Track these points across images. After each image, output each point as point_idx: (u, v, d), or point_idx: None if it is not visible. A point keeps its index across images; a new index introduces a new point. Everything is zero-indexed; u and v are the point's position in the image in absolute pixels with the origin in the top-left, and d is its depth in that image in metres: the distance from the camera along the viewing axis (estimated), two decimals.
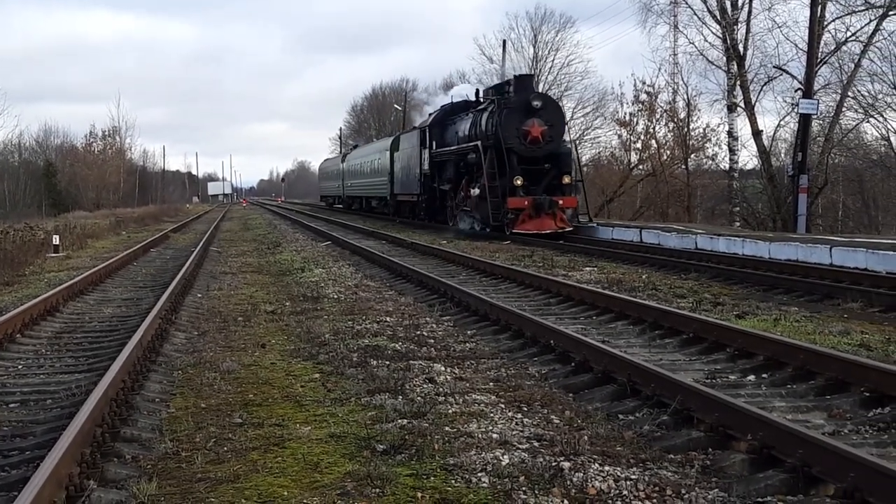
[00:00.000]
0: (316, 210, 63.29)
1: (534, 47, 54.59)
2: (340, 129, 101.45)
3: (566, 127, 27.48)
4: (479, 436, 5.16)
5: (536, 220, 23.78)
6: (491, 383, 6.61)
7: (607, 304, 10.37)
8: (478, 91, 29.39)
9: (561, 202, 24.32)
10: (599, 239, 23.73)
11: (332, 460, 4.77)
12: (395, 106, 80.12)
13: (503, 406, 5.90)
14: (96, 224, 32.85)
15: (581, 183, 27.17)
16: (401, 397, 6.04)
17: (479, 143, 25.34)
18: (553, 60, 53.48)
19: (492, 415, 5.65)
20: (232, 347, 8.25)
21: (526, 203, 23.83)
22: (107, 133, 72.54)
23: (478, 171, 25.44)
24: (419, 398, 6.02)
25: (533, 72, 52.32)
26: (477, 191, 25.03)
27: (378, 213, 43.94)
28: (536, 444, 5.04)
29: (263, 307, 10.90)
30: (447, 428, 5.30)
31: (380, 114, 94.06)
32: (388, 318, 9.68)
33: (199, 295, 12.35)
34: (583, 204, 27.13)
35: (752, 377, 6.86)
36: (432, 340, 8.38)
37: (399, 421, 5.44)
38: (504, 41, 51.02)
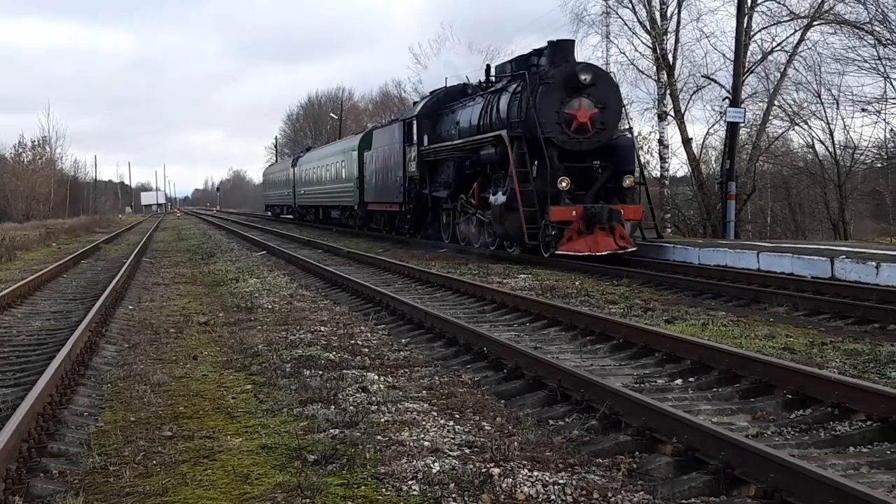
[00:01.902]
0: (252, 220, 62.71)
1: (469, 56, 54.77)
2: (276, 138, 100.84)
3: (624, 110, 21.42)
4: (411, 444, 5.19)
5: (589, 237, 17.54)
6: (424, 391, 6.65)
7: (540, 311, 10.48)
8: (488, 67, 22.60)
9: (623, 213, 18.06)
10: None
11: (262, 472, 4.76)
12: (331, 115, 79.86)
13: (435, 414, 5.94)
14: (26, 236, 32.20)
15: (644, 186, 20.44)
16: (333, 407, 6.04)
17: (503, 132, 18.92)
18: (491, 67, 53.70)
19: (424, 423, 5.69)
20: (163, 359, 8.17)
21: (574, 214, 17.57)
22: (36, 143, 71.18)
23: (499, 170, 19.67)
24: (352, 408, 6.03)
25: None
26: (502, 197, 18.70)
27: (341, 226, 37.71)
28: (467, 450, 5.09)
29: (196, 318, 10.80)
30: (379, 437, 5.32)
31: (316, 122, 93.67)
32: (322, 328, 9.66)
33: (131, 307, 12.19)
34: (647, 214, 21.11)
35: (679, 381, 7.00)
36: (366, 349, 8.39)
37: (331, 431, 5.44)
38: (439, 50, 51.14)
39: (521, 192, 17.98)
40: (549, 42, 19.88)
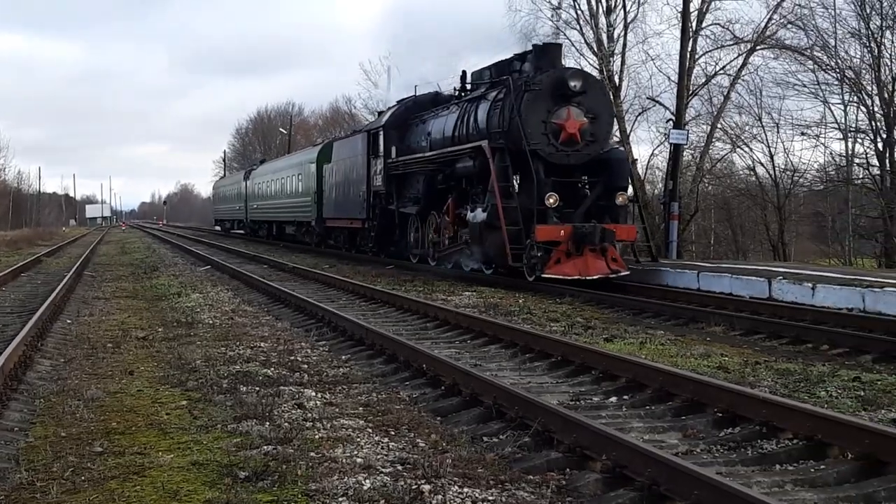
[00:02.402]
0: (199, 234, 62.11)
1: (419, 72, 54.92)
2: (225, 152, 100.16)
3: (615, 120, 20.53)
4: (344, 461, 5.20)
5: (578, 259, 16.04)
6: (360, 408, 6.66)
7: (482, 328, 10.55)
8: (464, 73, 21.00)
9: (617, 233, 16.66)
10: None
11: (192, 488, 4.73)
12: (281, 129, 79.56)
13: (371, 431, 5.95)
14: None
15: (637, 204, 19.29)
16: (268, 423, 6.02)
17: (483, 143, 17.38)
18: (437, 85, 53.92)
19: (358, 439, 5.69)
20: (98, 374, 8.08)
21: (563, 233, 16.08)
22: None
23: (478, 184, 18.11)
24: (287, 424, 6.02)
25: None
26: (482, 214, 17.10)
27: (296, 242, 36.11)
28: (400, 467, 5.10)
29: (135, 333, 10.69)
30: (312, 453, 5.32)
31: (265, 137, 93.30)
32: (262, 344, 9.62)
33: (69, 321, 12.03)
34: (641, 234, 19.11)
35: (614, 399, 7.08)
36: (306, 366, 8.38)
37: (264, 447, 5.43)
38: (389, 67, 51.21)
39: (504, 209, 16.38)
40: (533, 45, 18.69)
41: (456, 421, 6.39)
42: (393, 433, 5.90)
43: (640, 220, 18.54)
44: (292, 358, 8.76)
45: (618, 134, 19.44)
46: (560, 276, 15.85)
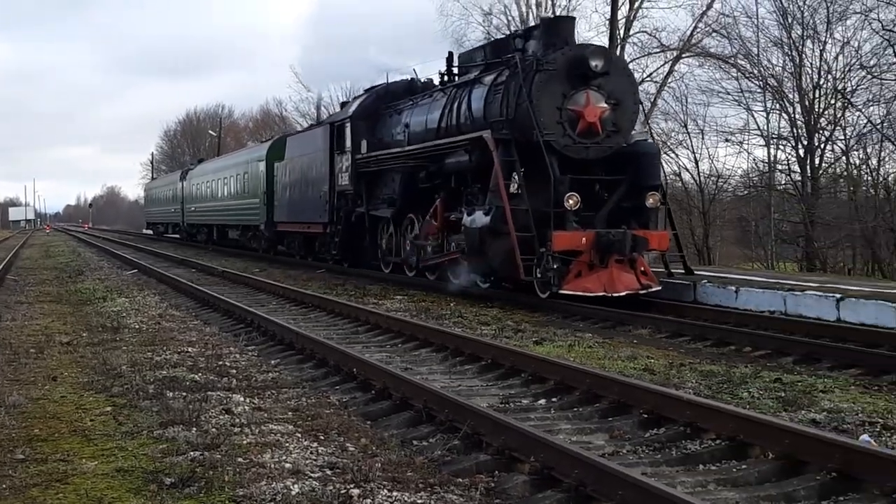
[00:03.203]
0: (126, 238, 61.05)
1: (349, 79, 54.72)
2: (153, 154, 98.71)
3: (640, 107, 17.02)
4: (272, 466, 5.17)
5: (603, 272, 13.47)
6: (290, 413, 6.62)
7: (413, 332, 10.57)
8: (450, 55, 18.36)
9: (649, 239, 14.09)
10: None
11: (116, 495, 4.66)
12: (210, 132, 78.69)
13: (300, 435, 5.92)
14: None
15: (667, 207, 16.11)
16: (195, 429, 5.96)
17: (485, 134, 14.61)
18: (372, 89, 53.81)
19: (287, 444, 5.66)
20: (21, 380, 7.90)
21: (584, 241, 13.53)
22: None
23: (474, 183, 15.52)
24: (214, 429, 5.96)
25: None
26: (483, 218, 14.20)
27: (241, 248, 32.98)
28: (329, 472, 5.09)
29: (59, 338, 10.48)
30: (240, 459, 5.27)
31: (194, 139, 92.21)
32: (190, 349, 9.50)
33: None
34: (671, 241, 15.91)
35: (543, 401, 7.16)
36: (234, 371, 8.29)
37: (191, 453, 5.37)
38: (320, 69, 50.82)
39: (513, 212, 13.71)
40: (541, 19, 16.89)
41: (386, 425, 6.40)
42: (322, 438, 5.88)
43: (669, 224, 15.83)
44: (220, 363, 8.67)
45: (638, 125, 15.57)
46: (581, 293, 13.28)
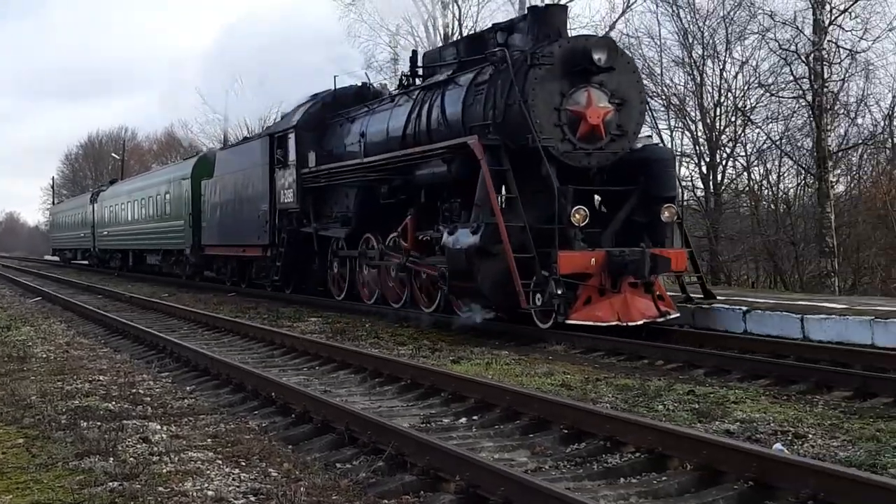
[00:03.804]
0: (27, 265, 59.22)
1: (257, 98, 54.29)
2: (53, 178, 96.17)
3: (648, 108, 15.24)
4: (194, 494, 5.09)
5: (615, 298, 11.87)
6: (209, 439, 6.52)
7: (330, 354, 10.53)
8: (414, 54, 16.72)
9: (669, 259, 12.40)
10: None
11: None
12: (113, 154, 77.13)
13: (220, 462, 5.84)
14: None
15: (680, 221, 13.92)
16: (112, 459, 5.82)
17: (470, 140, 12.66)
18: (278, 112, 53.53)
19: (208, 472, 5.58)
20: None
21: (594, 262, 11.90)
22: None
23: (452, 197, 13.64)
24: (132, 459, 5.83)
25: (259, 124, 52.08)
26: (470, 237, 12.29)
27: (162, 275, 30.60)
28: (253, 498, 5.04)
29: None
30: (161, 488, 5.18)
31: (97, 163, 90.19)
32: (101, 377, 9.28)
33: None
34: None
35: (464, 420, 7.20)
36: (149, 398, 8.13)
37: (109, 484, 5.25)
38: (227, 91, 50.35)
39: (510, 230, 11.85)
40: (529, 8, 14.80)
41: (308, 448, 6.35)
42: (244, 464, 5.81)
43: (683, 241, 13.76)
44: (134, 391, 8.49)
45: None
46: (592, 323, 11.64)
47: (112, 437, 6.40)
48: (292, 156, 18.93)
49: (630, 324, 11.74)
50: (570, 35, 13.55)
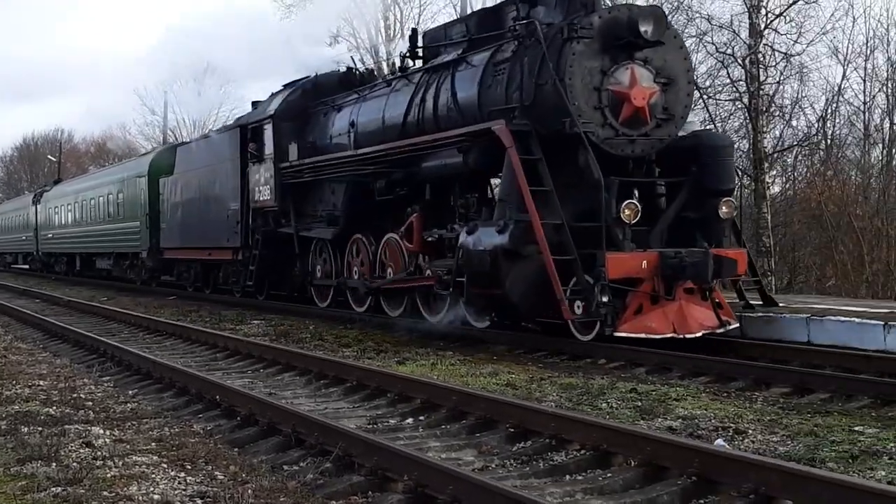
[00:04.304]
0: None
1: (197, 99, 53.80)
2: None
3: (696, 88, 13.82)
4: (140, 498, 5.05)
5: (669, 306, 10.49)
6: (153, 443, 6.46)
7: (274, 357, 10.49)
8: (414, 32, 14.78)
9: (735, 261, 11.07)
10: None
11: None
12: (49, 157, 75.78)
13: (166, 466, 5.79)
14: None
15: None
16: (55, 464, 5.75)
17: (495, 125, 11.10)
18: (218, 114, 53.11)
19: (154, 476, 5.53)
20: None
21: (646, 265, 10.49)
22: None
23: (467, 192, 12.52)
24: (75, 464, 5.76)
25: (198, 126, 51.60)
26: (495, 237, 10.76)
27: (113, 280, 28.95)
28: (199, 501, 5.01)
29: None
30: (105, 493, 5.13)
31: (32, 165, 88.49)
32: (41, 382, 9.14)
33: None
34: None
35: (410, 420, 7.22)
36: (90, 403, 8.03)
37: (53, 489, 5.18)
38: (166, 93, 49.87)
39: (544, 227, 10.36)
40: None
41: (255, 451, 6.32)
42: (190, 467, 5.77)
43: (737, 240, 12.43)
44: (75, 395, 8.38)
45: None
46: (644, 336, 10.26)
47: (54, 442, 6.32)
48: (269, 149, 17.22)
49: (687, 336, 10.41)
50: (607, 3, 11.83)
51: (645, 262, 10.48)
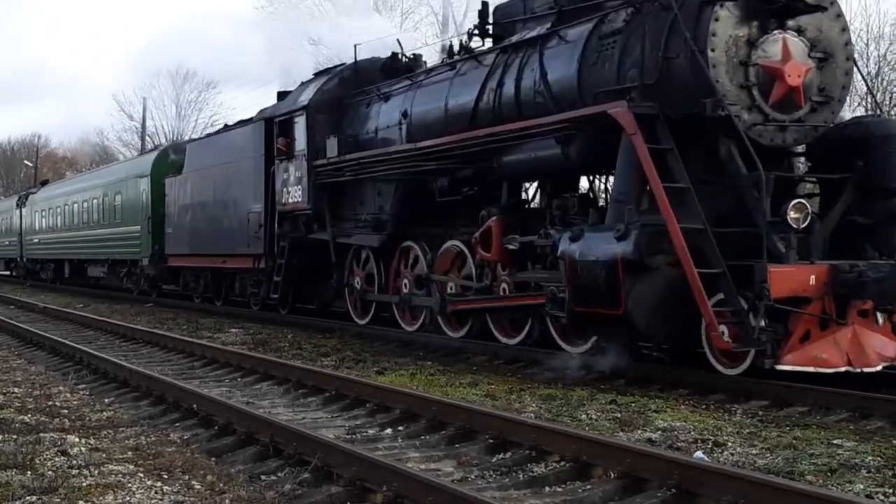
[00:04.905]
0: None
1: (176, 105, 53.82)
2: None
3: (856, 66, 10.78)
4: None
5: (841, 332, 8.34)
6: (130, 452, 6.40)
7: (252, 366, 10.43)
8: (485, 6, 12.65)
9: None
10: None
11: None
12: (26, 162, 75.27)
13: (142, 475, 5.73)
14: None
15: None
16: (30, 473, 5.68)
17: (615, 106, 9.11)
18: (197, 120, 52.96)
19: (130, 485, 5.48)
20: None
21: (814, 281, 8.36)
22: None
23: (562, 189, 11.23)
24: (50, 472, 5.69)
25: (176, 132, 51.42)
26: (615, 246, 8.68)
27: (107, 289, 27.08)
28: None
29: None
30: (81, 502, 5.08)
31: (8, 170, 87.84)
32: (16, 389, 9.05)
33: None
34: None
35: (389, 430, 7.19)
36: (66, 411, 7.96)
37: (28, 498, 5.12)
38: (145, 98, 49.76)
39: (684, 233, 8.39)
40: None
41: (232, 461, 6.27)
42: (166, 476, 5.72)
43: None
44: (51, 403, 8.30)
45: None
46: (812, 369, 8.27)
47: (29, 450, 6.24)
48: (301, 144, 15.30)
49: (865, 370, 8.38)
50: None
51: (813, 277, 8.40)
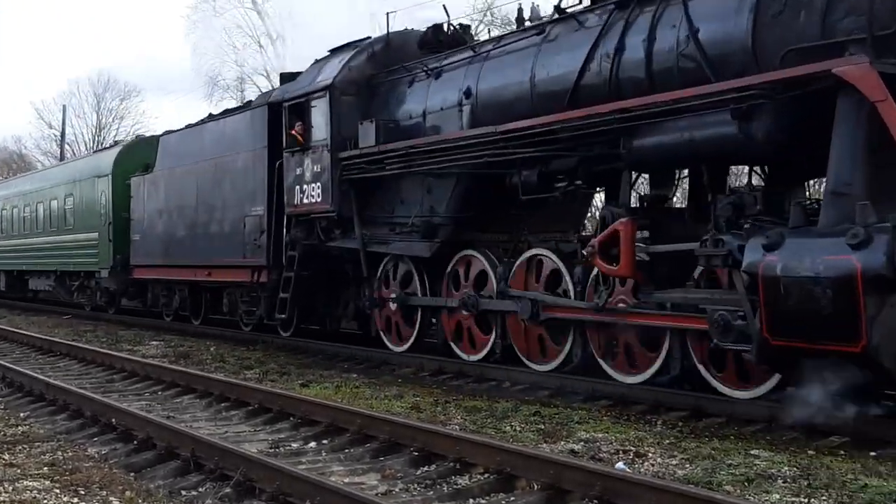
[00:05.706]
0: None
1: (97, 114, 52.83)
2: None
3: None
4: None
5: None
6: (45, 468, 6.26)
7: (174, 379, 10.28)
8: None
9: None
10: None
11: None
12: None
13: (58, 491, 5.61)
14: None
15: None
16: None
17: (851, 64, 6.58)
18: (118, 128, 52.03)
19: (45, 501, 5.37)
20: None
21: None
22: None
23: (721, 179, 9.11)
24: None
25: (97, 140, 50.50)
26: (851, 258, 6.28)
27: (54, 304, 24.38)
28: None
29: None
30: None
31: None
32: None
33: None
34: None
35: (314, 444, 7.14)
36: None
37: None
38: (64, 106, 48.75)
39: None
40: None
41: (152, 476, 6.17)
42: (83, 492, 5.61)
43: None
44: None
45: None
46: None
47: None
48: (322, 132, 12.65)
49: None
50: None
51: None
